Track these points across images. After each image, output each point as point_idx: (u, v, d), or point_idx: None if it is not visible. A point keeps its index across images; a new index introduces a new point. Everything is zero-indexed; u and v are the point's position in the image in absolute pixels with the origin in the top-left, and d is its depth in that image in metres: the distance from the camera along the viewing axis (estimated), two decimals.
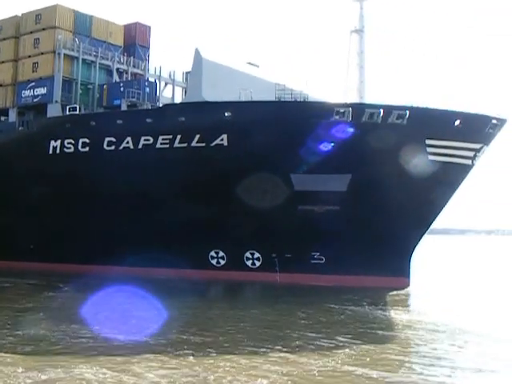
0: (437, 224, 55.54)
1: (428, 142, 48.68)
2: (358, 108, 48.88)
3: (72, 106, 57.81)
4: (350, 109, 48.05)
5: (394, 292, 48.96)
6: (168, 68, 66.23)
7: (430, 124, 47.92)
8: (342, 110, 47.78)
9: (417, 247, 53.80)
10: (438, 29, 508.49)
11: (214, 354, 26.36)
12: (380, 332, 32.94)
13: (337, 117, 47.72)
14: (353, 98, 59.60)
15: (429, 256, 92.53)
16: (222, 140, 49.27)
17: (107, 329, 31.29)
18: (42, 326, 32.09)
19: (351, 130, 47.85)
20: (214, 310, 39.14)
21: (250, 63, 59.85)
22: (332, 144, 47.98)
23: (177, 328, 31.94)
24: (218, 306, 40.51)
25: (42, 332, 30.74)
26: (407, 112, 47.67)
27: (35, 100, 60.54)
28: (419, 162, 48.61)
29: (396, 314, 39.06)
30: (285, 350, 27.46)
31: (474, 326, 35.45)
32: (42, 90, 59.91)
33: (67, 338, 29.23)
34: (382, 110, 47.77)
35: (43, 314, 36.24)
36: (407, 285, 52.12)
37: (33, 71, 61.64)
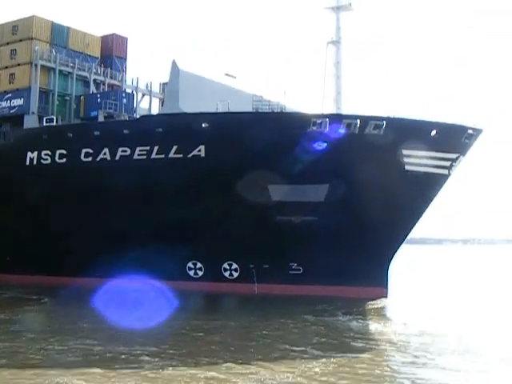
0: (414, 234, 55.74)
1: (405, 152, 48.92)
2: (336, 118, 49.04)
3: (49, 117, 57.63)
4: (327, 119, 48.22)
5: (372, 302, 49.18)
6: (145, 79, 66.31)
7: (406, 134, 48.17)
8: (319, 121, 47.93)
9: (395, 257, 53.95)
10: (438, 30, 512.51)
11: (184, 367, 26.42)
12: (351, 343, 32.98)
13: (314, 127, 47.84)
14: (330, 109, 59.76)
15: (407, 266, 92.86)
16: (199, 151, 49.19)
17: (81, 341, 31.29)
18: (18, 339, 31.95)
19: (329, 139, 48.02)
20: (190, 321, 38.97)
21: (227, 74, 59.87)
22: (309, 154, 47.99)
23: (151, 340, 31.89)
24: (194, 318, 40.30)
25: (17, 344, 30.60)
26: (384, 122, 47.85)
27: (12, 111, 60.26)
28: (396, 171, 48.87)
29: (369, 325, 39.22)
30: (257, 362, 27.51)
31: (448, 337, 35.56)
32: (19, 101, 59.63)
33: (42, 351, 29.13)
34: (358, 121, 47.93)
35: (19, 326, 36.12)
36: (385, 295, 52.22)
37: (9, 82, 61.37)
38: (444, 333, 36.69)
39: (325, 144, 47.95)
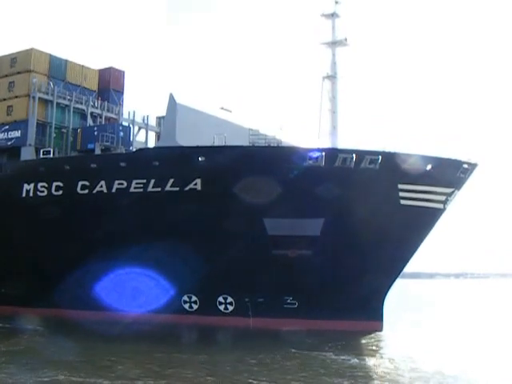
0: (407, 268, 55.67)
1: (400, 186, 49.20)
2: (331, 153, 49.33)
3: (46, 149, 57.69)
4: (324, 154, 48.51)
5: (365, 335, 49.20)
6: (141, 112, 66.57)
7: (402, 169, 48.45)
8: (314, 155, 48.24)
9: (389, 291, 53.93)
10: (441, 35, 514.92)
11: None
12: (328, 378, 33.01)
13: (310, 162, 48.15)
14: (326, 144, 60.00)
15: (401, 300, 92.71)
16: (195, 184, 49.35)
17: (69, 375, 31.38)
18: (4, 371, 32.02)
19: (324, 174, 48.29)
20: (190, 354, 39.39)
21: (223, 108, 60.20)
22: (305, 188, 48.18)
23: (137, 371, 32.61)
24: (178, 351, 40.83)
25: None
26: (379, 157, 48.22)
27: (9, 143, 60.44)
28: (392, 206, 49.07)
29: (350, 359, 39.01)
30: None
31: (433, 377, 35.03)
32: (16, 133, 59.83)
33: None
34: (354, 155, 48.28)
35: (5, 359, 36.06)
36: (380, 328, 52.21)
37: (7, 114, 61.69)
38: (429, 373, 35.87)
39: (321, 178, 48.22)
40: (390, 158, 48.58)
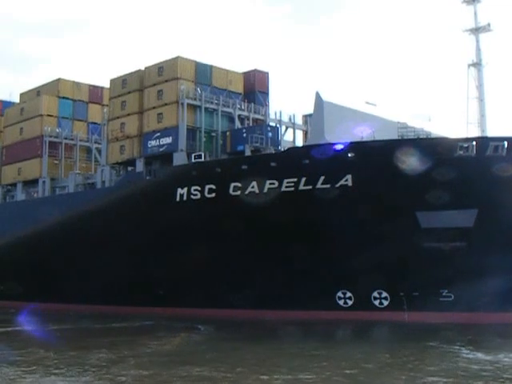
0: None
1: None
2: (482, 142, 48.49)
3: (197, 153, 59.40)
4: (474, 143, 47.75)
5: None
6: (287, 112, 67.63)
7: None
8: (465, 145, 47.56)
9: None
10: None
11: None
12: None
13: (461, 152, 47.50)
14: (474, 133, 58.89)
15: None
16: (346, 181, 49.68)
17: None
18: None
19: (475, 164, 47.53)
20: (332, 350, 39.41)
21: (367, 102, 60.03)
22: (457, 179, 47.51)
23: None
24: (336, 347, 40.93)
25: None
26: None
27: (161, 149, 62.44)
28: None
29: (478, 355, 36.72)
30: None
31: None
32: (168, 140, 61.86)
33: None
34: (506, 143, 47.27)
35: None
36: None
37: (158, 122, 63.92)
38: None
39: (472, 168, 47.49)
40: None
